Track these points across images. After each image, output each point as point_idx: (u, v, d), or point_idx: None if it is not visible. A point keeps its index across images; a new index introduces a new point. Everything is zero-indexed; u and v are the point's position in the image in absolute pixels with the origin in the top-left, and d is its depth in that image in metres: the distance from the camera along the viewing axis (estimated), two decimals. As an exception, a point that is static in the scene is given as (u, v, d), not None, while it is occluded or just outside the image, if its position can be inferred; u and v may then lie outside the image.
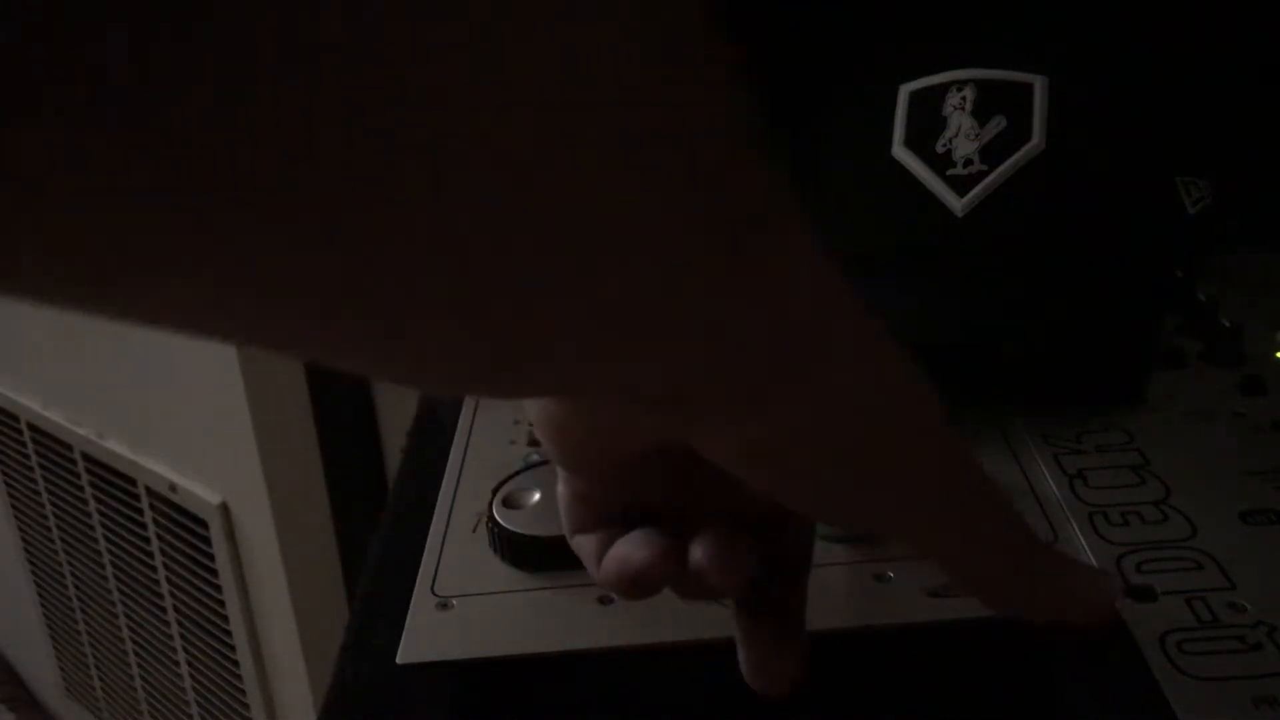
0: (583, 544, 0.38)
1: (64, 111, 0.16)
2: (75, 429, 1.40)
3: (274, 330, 0.21)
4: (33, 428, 1.50)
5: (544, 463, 0.60)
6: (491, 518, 0.54)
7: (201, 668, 1.37)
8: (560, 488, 0.38)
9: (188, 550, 1.28)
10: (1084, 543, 0.51)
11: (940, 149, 0.66)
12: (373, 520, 0.59)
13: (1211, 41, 0.76)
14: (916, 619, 0.48)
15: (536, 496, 0.54)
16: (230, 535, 1.22)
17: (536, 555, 0.52)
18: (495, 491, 0.55)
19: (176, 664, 1.41)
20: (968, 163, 0.65)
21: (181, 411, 1.22)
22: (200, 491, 1.23)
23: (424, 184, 0.19)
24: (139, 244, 0.18)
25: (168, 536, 1.30)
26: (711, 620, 0.49)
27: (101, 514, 1.41)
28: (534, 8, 0.19)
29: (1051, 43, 0.70)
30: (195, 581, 1.29)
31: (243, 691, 1.31)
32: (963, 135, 0.66)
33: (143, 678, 1.51)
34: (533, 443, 0.62)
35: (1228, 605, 0.46)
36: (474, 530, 0.56)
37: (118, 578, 1.44)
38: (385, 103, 0.17)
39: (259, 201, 0.18)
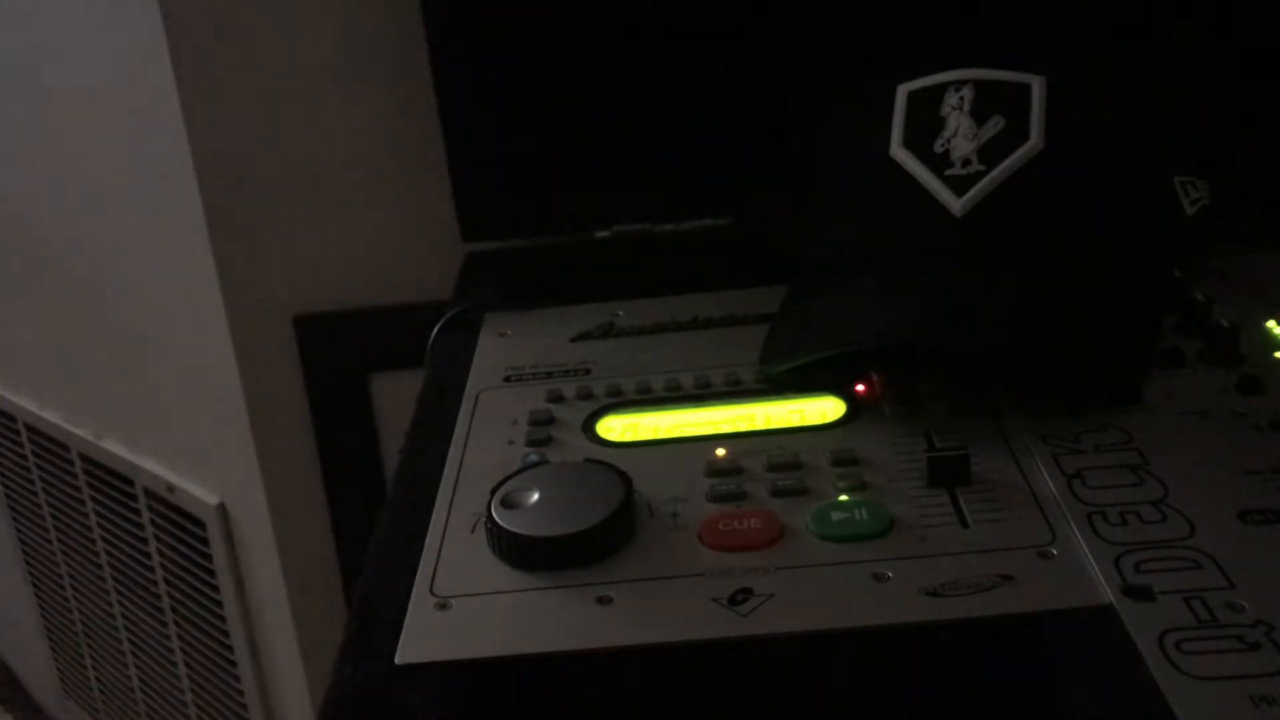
0: None
1: None
2: (72, 430, 1.40)
3: None
4: (30, 428, 1.49)
5: (543, 463, 0.60)
6: (490, 518, 0.54)
7: (199, 668, 1.37)
8: None
9: (185, 551, 1.28)
10: (1082, 542, 0.51)
11: (939, 149, 0.66)
12: (371, 521, 0.59)
13: (1211, 41, 0.76)
14: (915, 619, 0.48)
15: (535, 496, 0.54)
16: (228, 536, 1.22)
17: (536, 555, 0.52)
18: (494, 491, 0.55)
19: (174, 664, 1.41)
20: (966, 163, 0.65)
21: (179, 412, 1.22)
22: (198, 492, 1.23)
23: None
24: None
25: (165, 537, 1.30)
26: (711, 620, 0.49)
27: (99, 515, 1.41)
28: None
29: (1051, 43, 0.70)
30: (193, 582, 1.29)
31: (240, 692, 1.31)
32: (961, 135, 0.66)
33: (140, 678, 1.51)
34: (532, 443, 0.62)
35: (1226, 604, 0.46)
36: (473, 530, 0.56)
37: (115, 578, 1.44)
38: None
39: None
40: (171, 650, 1.41)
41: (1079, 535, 0.51)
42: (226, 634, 1.29)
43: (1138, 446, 0.57)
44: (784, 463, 0.58)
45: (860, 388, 0.64)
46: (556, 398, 0.66)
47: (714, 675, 0.48)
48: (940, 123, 0.67)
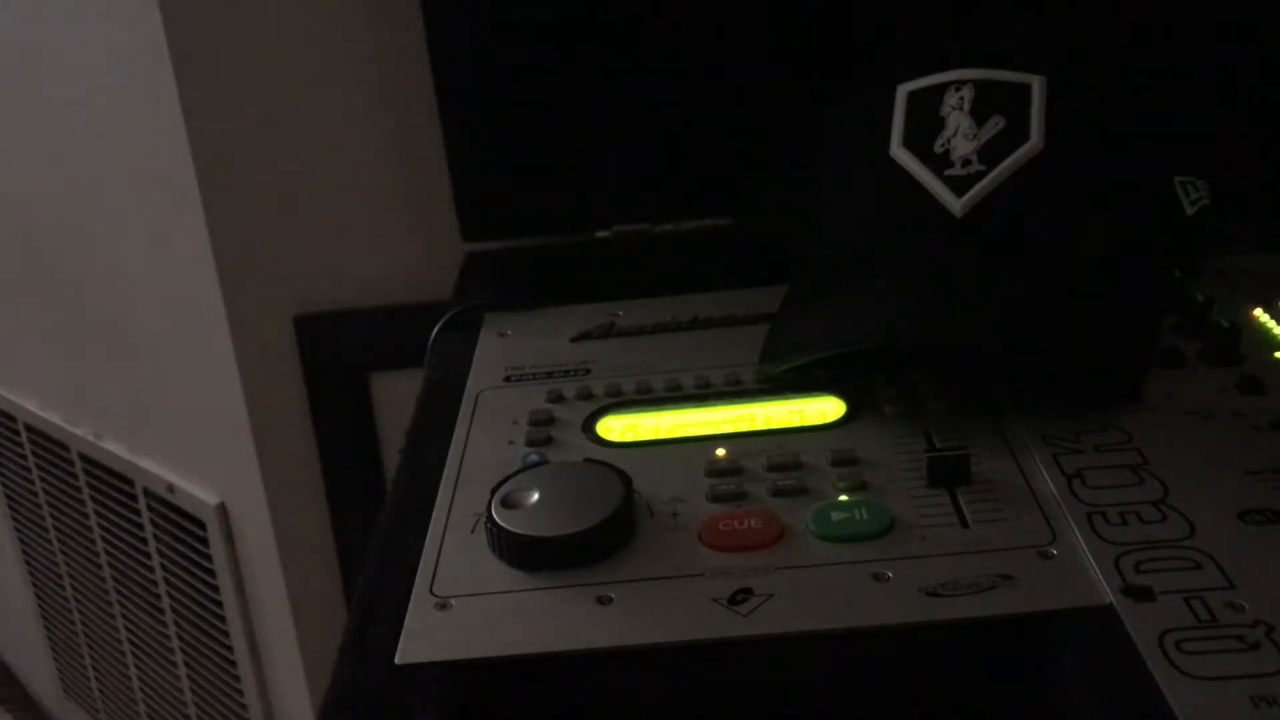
0: None
1: None
2: (72, 430, 1.40)
3: None
4: (30, 429, 1.49)
5: (543, 463, 0.60)
6: (490, 518, 0.54)
7: (199, 669, 1.37)
8: None
9: (185, 551, 1.28)
10: (1082, 542, 0.51)
11: (939, 149, 0.66)
12: (371, 521, 0.59)
13: (1211, 42, 0.76)
14: (915, 619, 0.48)
15: (536, 496, 0.54)
16: (228, 536, 1.22)
17: (536, 555, 0.52)
18: (494, 491, 0.55)
19: (174, 665, 1.41)
20: (966, 163, 0.65)
21: (179, 412, 1.22)
22: (198, 492, 1.23)
23: None
24: None
25: (165, 537, 1.30)
26: (711, 620, 0.49)
27: (99, 515, 1.41)
28: None
29: (1051, 43, 0.70)
30: (193, 582, 1.29)
31: (240, 693, 1.31)
32: (961, 135, 0.66)
33: (140, 679, 1.51)
34: (532, 443, 0.62)
35: (1226, 604, 0.46)
36: (473, 530, 0.56)
37: (115, 579, 1.44)
38: None
39: None
40: (171, 650, 1.41)
41: (1079, 535, 0.51)
42: (226, 634, 1.29)
43: (1138, 446, 0.57)
44: (784, 463, 0.58)
45: None
46: (556, 398, 0.66)
47: (714, 675, 0.49)
48: (940, 123, 0.67)
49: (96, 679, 1.65)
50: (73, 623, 1.63)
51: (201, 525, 1.24)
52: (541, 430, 0.63)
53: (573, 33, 0.85)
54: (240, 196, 1.01)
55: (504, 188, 0.89)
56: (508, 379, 0.70)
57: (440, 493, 0.59)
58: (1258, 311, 0.66)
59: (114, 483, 1.36)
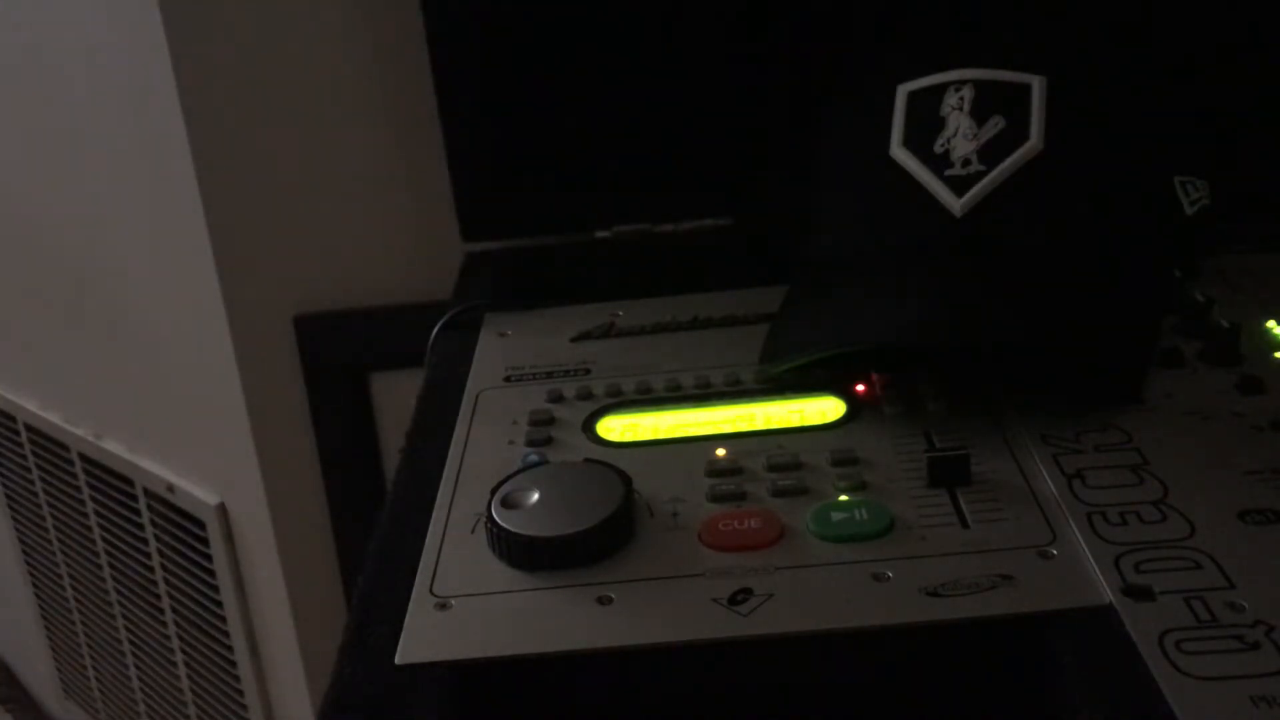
0: None
1: None
2: (72, 430, 1.40)
3: None
4: (30, 428, 1.49)
5: (542, 463, 0.60)
6: (490, 518, 0.54)
7: (199, 669, 1.37)
8: None
9: (185, 551, 1.28)
10: (1082, 542, 0.51)
11: (939, 149, 0.66)
12: (371, 521, 0.59)
13: (1211, 42, 0.76)
14: (915, 619, 0.48)
15: (535, 496, 0.54)
16: (228, 536, 1.22)
17: (535, 555, 0.52)
18: (494, 492, 0.55)
19: (174, 665, 1.41)
20: (966, 163, 0.65)
21: (179, 412, 1.22)
22: (198, 492, 1.23)
23: None
24: None
25: (165, 537, 1.30)
26: (711, 620, 0.49)
27: (99, 515, 1.41)
28: None
29: (1051, 43, 0.70)
30: (193, 582, 1.29)
31: (240, 693, 1.31)
32: (961, 135, 0.66)
33: (140, 679, 1.51)
34: (532, 443, 0.62)
35: (1226, 604, 0.46)
36: (473, 530, 0.56)
37: (115, 579, 1.44)
38: None
39: None
40: (171, 650, 1.41)
41: (1079, 535, 0.51)
42: (226, 634, 1.29)
43: (1138, 446, 0.57)
44: (784, 463, 0.58)
45: (860, 388, 0.64)
46: (556, 398, 0.66)
47: (714, 675, 0.49)
48: (940, 123, 0.67)
49: (96, 679, 1.65)
50: (73, 623, 1.63)
51: (201, 525, 1.24)
52: (541, 430, 0.63)
53: (573, 33, 0.85)
54: (240, 196, 1.01)
55: (504, 188, 0.89)
56: (508, 379, 0.70)
57: (440, 493, 0.59)
58: (1271, 323, 0.66)
59: (114, 483, 1.36)
